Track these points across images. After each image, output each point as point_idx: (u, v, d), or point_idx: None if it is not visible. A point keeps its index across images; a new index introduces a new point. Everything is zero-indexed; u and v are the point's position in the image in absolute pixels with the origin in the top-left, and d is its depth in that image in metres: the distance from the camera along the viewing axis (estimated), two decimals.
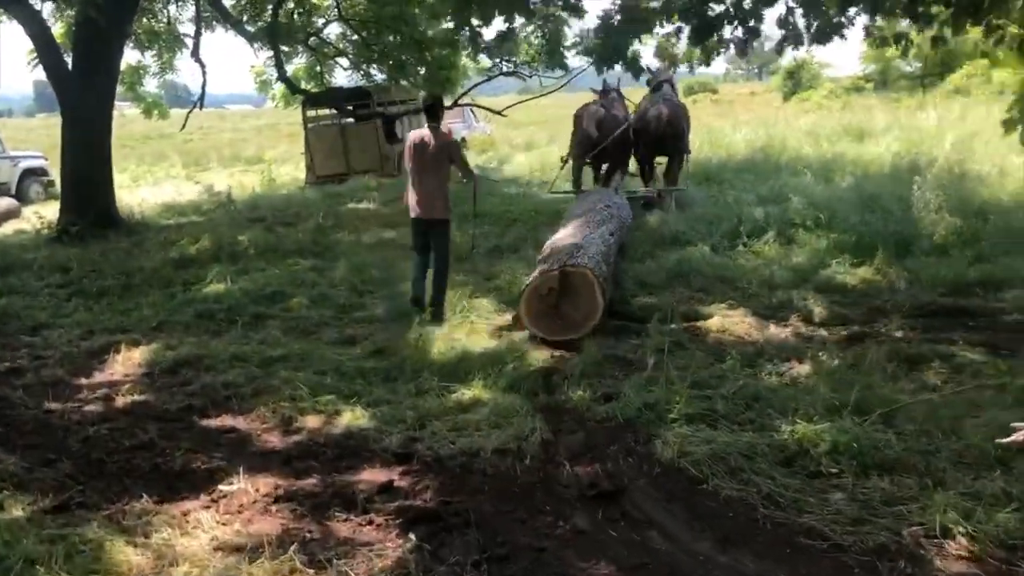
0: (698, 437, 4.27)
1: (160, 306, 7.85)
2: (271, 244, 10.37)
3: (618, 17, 6.12)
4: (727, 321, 6.52)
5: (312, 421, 4.99)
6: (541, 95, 14.68)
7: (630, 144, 11.67)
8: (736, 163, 15.27)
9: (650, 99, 11.93)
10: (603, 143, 11.17)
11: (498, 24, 6.40)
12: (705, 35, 6.24)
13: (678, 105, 11.92)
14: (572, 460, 4.28)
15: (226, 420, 5.15)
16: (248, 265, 9.32)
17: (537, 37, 15.73)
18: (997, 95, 22.84)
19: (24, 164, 21.42)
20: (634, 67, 6.50)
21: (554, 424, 4.75)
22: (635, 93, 12.84)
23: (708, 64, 6.75)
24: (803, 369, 5.39)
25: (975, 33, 6.95)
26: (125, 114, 46.92)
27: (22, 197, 20.23)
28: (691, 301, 7.22)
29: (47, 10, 13.65)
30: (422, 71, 17.77)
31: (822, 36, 6.55)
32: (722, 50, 6.74)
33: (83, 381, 6.00)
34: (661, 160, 12.38)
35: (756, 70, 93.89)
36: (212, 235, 10.75)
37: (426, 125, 7.04)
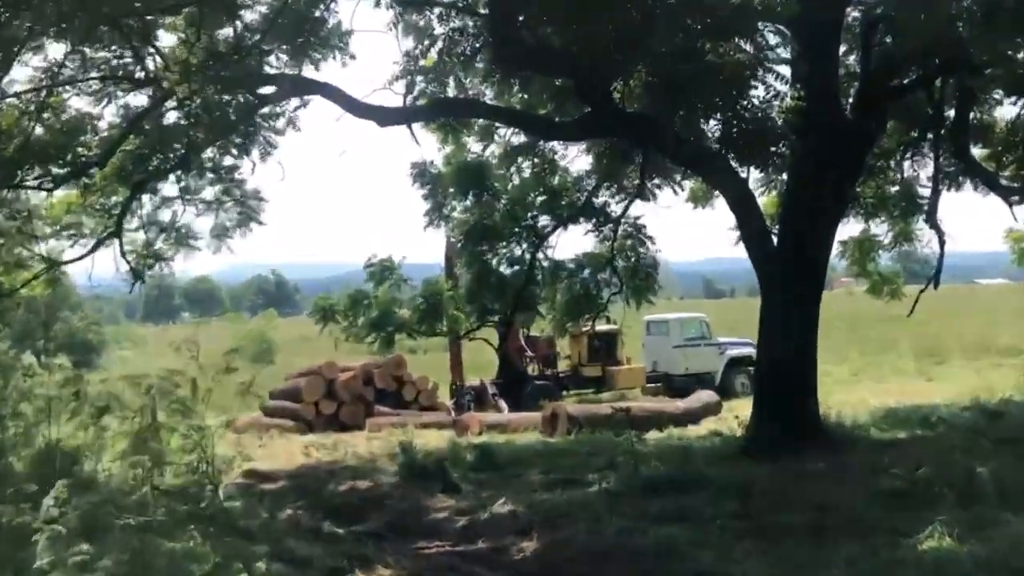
0: None
1: (853, 565, 5.85)
2: (1021, 483, 7.29)
3: None
4: None
5: None
6: None
7: None
8: None
9: None
10: None
11: None
12: None
13: None
14: None
15: None
16: (985, 514, 6.59)
17: None
18: None
19: (731, 352, 20.72)
20: None
21: None
22: None
23: None
24: None
25: None
26: (853, 292, 43.73)
27: (726, 390, 19.26)
28: None
29: (753, 177, 12.35)
30: None
31: None
32: None
33: None
34: None
35: None
36: (935, 461, 8.14)
37: None
